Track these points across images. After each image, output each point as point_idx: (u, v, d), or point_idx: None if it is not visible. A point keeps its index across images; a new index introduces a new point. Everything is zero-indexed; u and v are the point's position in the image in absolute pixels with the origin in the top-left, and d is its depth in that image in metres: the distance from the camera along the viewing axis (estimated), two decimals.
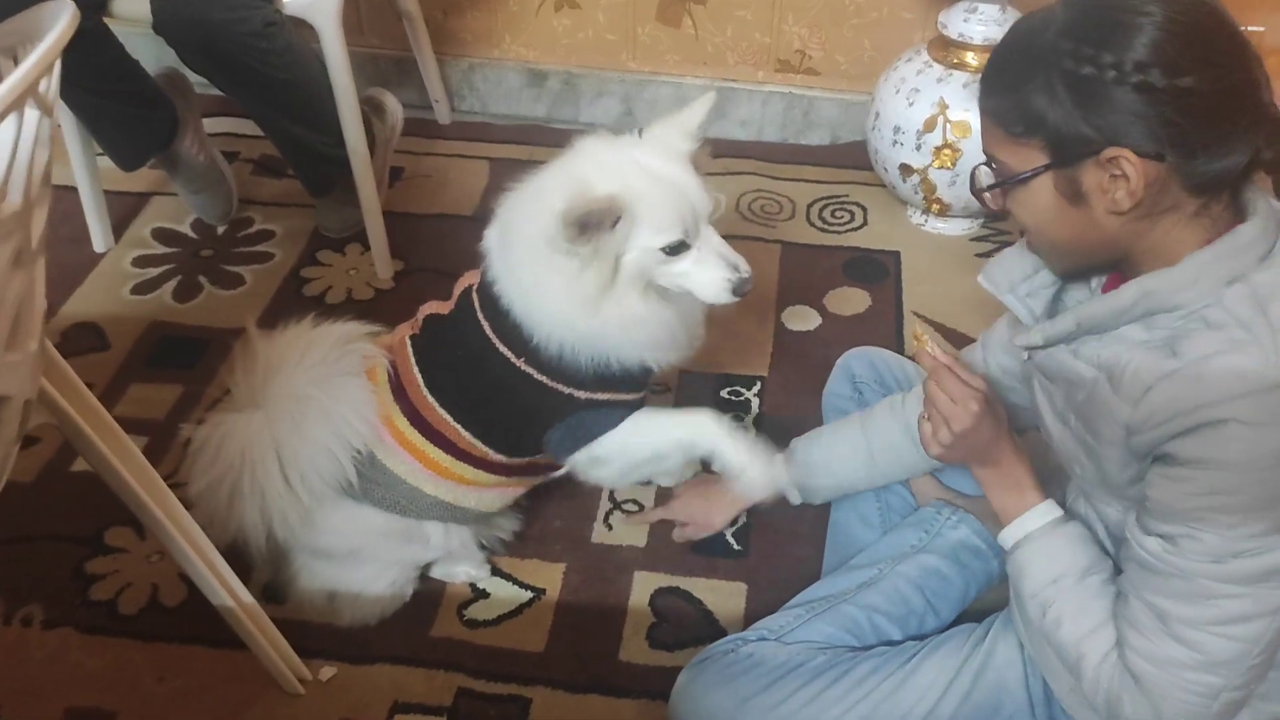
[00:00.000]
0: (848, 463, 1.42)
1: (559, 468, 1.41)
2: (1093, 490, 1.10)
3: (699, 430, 1.34)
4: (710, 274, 1.23)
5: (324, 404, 1.29)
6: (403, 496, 1.35)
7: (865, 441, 1.40)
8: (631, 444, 1.33)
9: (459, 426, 1.33)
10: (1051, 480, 1.18)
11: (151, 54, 2.02)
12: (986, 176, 1.02)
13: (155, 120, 1.94)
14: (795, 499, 1.46)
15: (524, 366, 1.27)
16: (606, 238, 1.15)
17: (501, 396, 1.31)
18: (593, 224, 1.13)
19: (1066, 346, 1.03)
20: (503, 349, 1.28)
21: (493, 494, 1.42)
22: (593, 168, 1.19)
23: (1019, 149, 0.95)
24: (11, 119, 0.74)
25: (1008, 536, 1.14)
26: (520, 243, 1.23)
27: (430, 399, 1.33)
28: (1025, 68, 0.93)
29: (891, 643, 1.29)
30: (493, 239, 1.29)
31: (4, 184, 0.76)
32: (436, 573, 1.51)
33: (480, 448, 1.34)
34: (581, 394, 1.28)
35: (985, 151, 1.01)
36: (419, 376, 1.34)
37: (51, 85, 0.80)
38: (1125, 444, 0.96)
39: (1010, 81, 0.94)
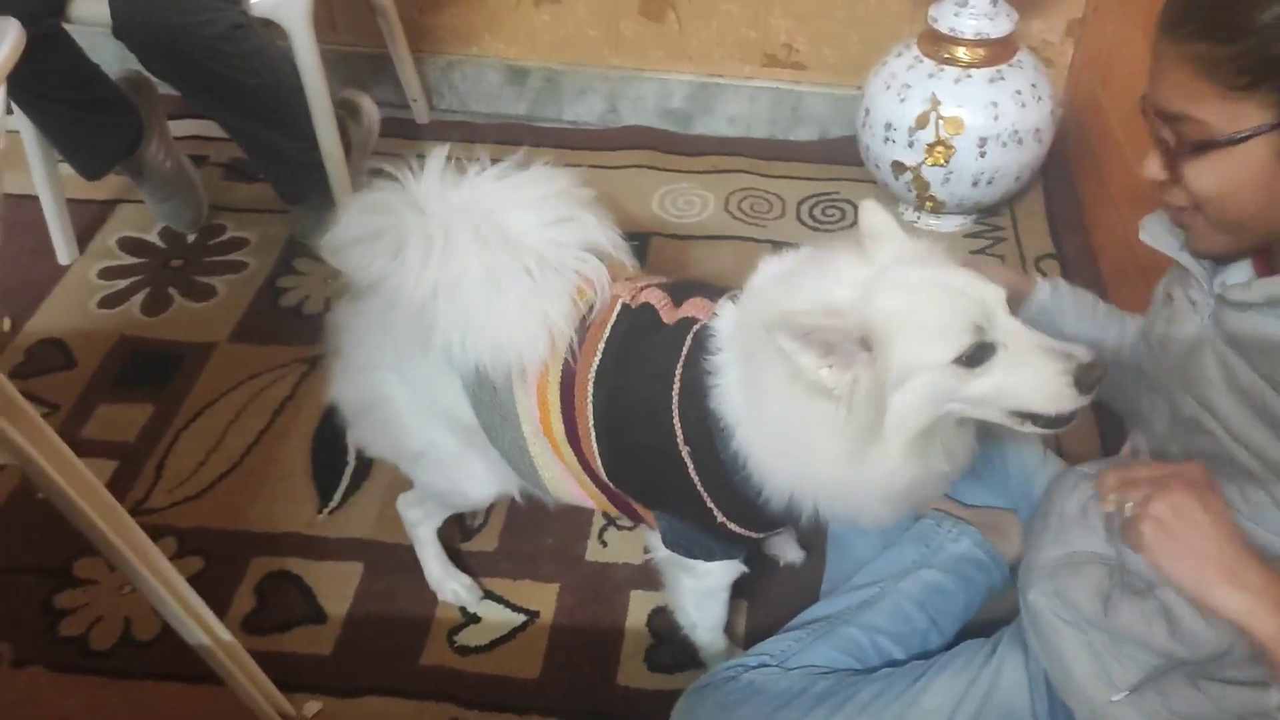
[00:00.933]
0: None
1: (637, 515, 1.26)
2: (1271, 483, 0.93)
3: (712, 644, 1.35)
4: (1032, 372, 0.94)
5: (533, 275, 1.06)
6: (502, 418, 1.17)
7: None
8: (718, 589, 1.28)
9: (592, 431, 1.13)
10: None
11: (114, 56, 1.93)
12: (1172, 143, 0.87)
13: (118, 127, 1.87)
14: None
15: (686, 458, 1.08)
16: (861, 365, 0.93)
17: (646, 455, 1.12)
18: (829, 343, 0.92)
19: (1273, 310, 0.90)
20: (677, 424, 1.07)
21: (572, 489, 1.24)
22: (832, 278, 0.98)
23: (1232, 104, 0.81)
24: None
25: None
26: (769, 376, 0.99)
27: (589, 385, 1.11)
28: (1264, 3, 0.77)
29: (895, 663, 1.25)
30: (734, 327, 1.07)
31: None
32: (431, 579, 1.45)
33: (594, 458, 1.16)
34: (719, 515, 1.11)
35: (1166, 109, 0.86)
36: (599, 352, 1.11)
37: None
38: None
39: (1237, 21, 0.79)
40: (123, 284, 1.94)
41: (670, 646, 1.40)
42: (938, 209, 2.02)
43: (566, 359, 1.11)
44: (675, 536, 1.20)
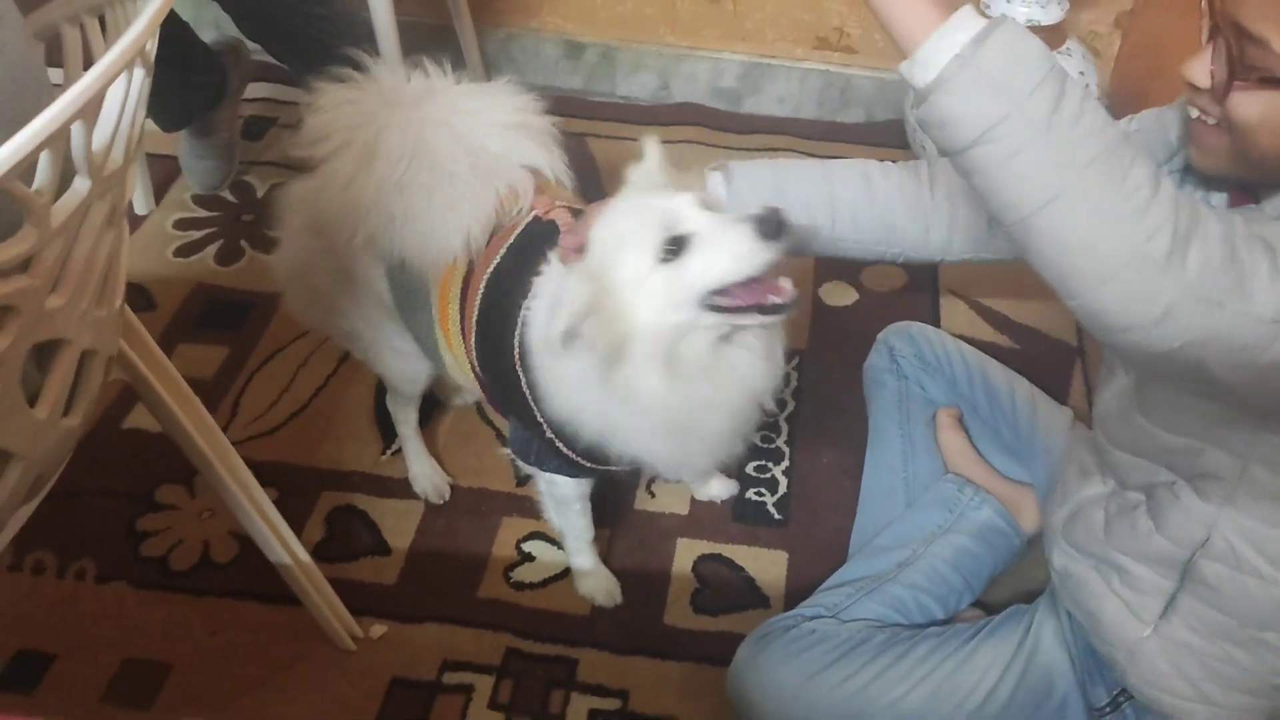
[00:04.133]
0: (802, 188, 1.17)
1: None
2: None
3: (582, 554, 1.44)
4: (720, 243, 1.00)
5: (459, 182, 1.15)
6: (415, 305, 1.27)
7: (827, 186, 1.16)
8: (567, 498, 1.37)
9: (475, 327, 1.21)
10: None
11: (212, 21, 2.02)
12: (1234, 60, 0.84)
13: (201, 85, 1.95)
14: (720, 191, 1.16)
15: (519, 372, 1.17)
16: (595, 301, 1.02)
17: (500, 358, 1.20)
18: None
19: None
20: (516, 337, 1.16)
21: (464, 375, 1.32)
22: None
23: None
24: (122, 78, 0.75)
25: (943, 44, 0.76)
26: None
27: (482, 284, 1.20)
28: None
29: (937, 621, 1.33)
30: None
31: (112, 141, 0.77)
32: (410, 473, 1.58)
33: (474, 357, 1.25)
34: (549, 433, 1.19)
35: (1250, 28, 0.81)
36: (499, 255, 1.19)
37: (153, 44, 0.82)
38: None
39: None
40: (197, 235, 2.04)
41: (714, 591, 1.48)
42: None
43: (471, 259, 1.21)
44: (516, 440, 1.29)
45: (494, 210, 1.19)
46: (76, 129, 0.71)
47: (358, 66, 1.23)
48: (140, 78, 0.79)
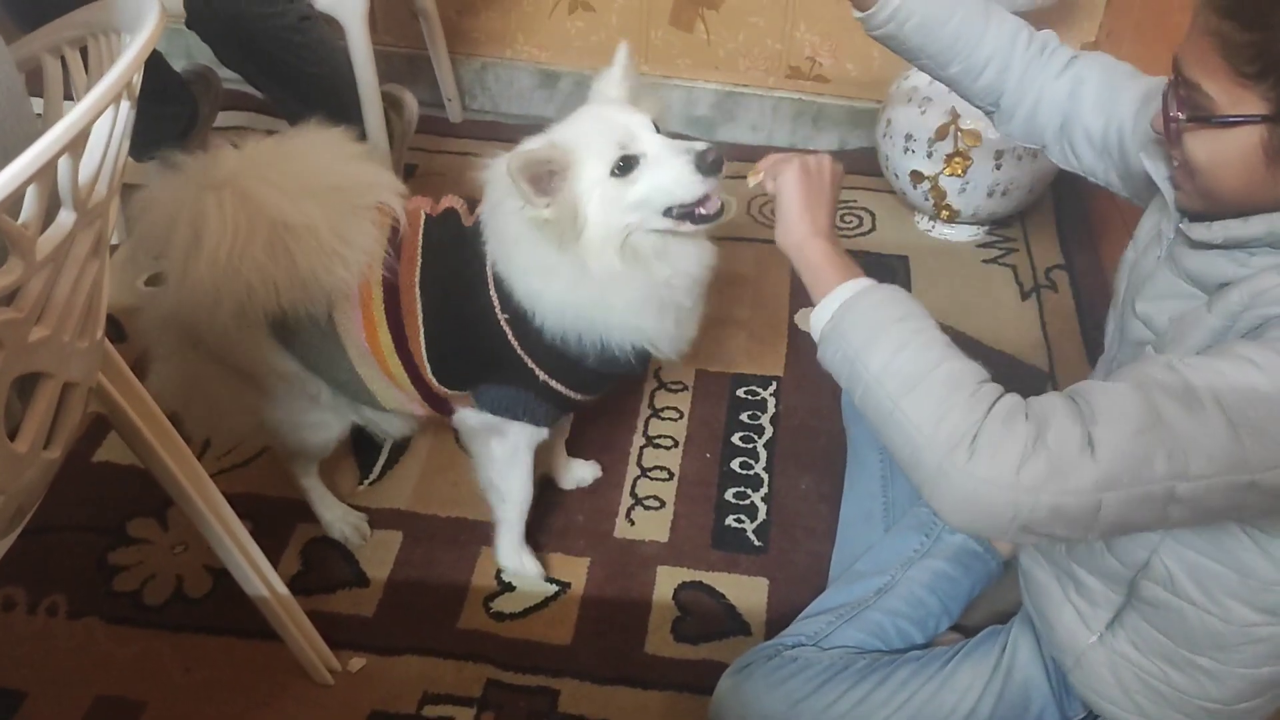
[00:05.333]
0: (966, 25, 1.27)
1: (452, 413, 1.41)
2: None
3: (515, 525, 1.47)
4: (668, 167, 1.15)
5: (330, 236, 1.20)
6: (327, 353, 1.30)
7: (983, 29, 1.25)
8: (521, 451, 1.41)
9: (421, 329, 1.29)
10: None
11: (180, 49, 2.02)
12: (1179, 104, 0.91)
13: (172, 115, 1.94)
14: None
15: (503, 323, 1.26)
16: (563, 188, 1.15)
17: (471, 331, 1.29)
18: (542, 175, 1.13)
19: (1227, 251, 0.95)
20: (493, 292, 1.25)
21: (398, 396, 1.37)
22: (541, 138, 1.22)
23: (1236, 88, 0.85)
24: (108, 111, 0.75)
25: (822, 312, 0.99)
26: (499, 215, 1.22)
27: (416, 290, 1.28)
28: None
29: (916, 646, 1.33)
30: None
31: (98, 174, 0.77)
32: (323, 522, 1.56)
33: (422, 358, 1.31)
34: (540, 374, 1.29)
35: (1184, 73, 0.89)
36: (419, 261, 1.28)
37: (139, 78, 0.82)
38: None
39: (1263, 12, 0.82)
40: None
41: (695, 618, 1.48)
42: (953, 218, 2.11)
43: (386, 275, 1.27)
44: (501, 402, 1.34)
45: (369, 247, 1.24)
46: (63, 162, 0.70)
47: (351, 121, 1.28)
48: (126, 110, 0.79)
